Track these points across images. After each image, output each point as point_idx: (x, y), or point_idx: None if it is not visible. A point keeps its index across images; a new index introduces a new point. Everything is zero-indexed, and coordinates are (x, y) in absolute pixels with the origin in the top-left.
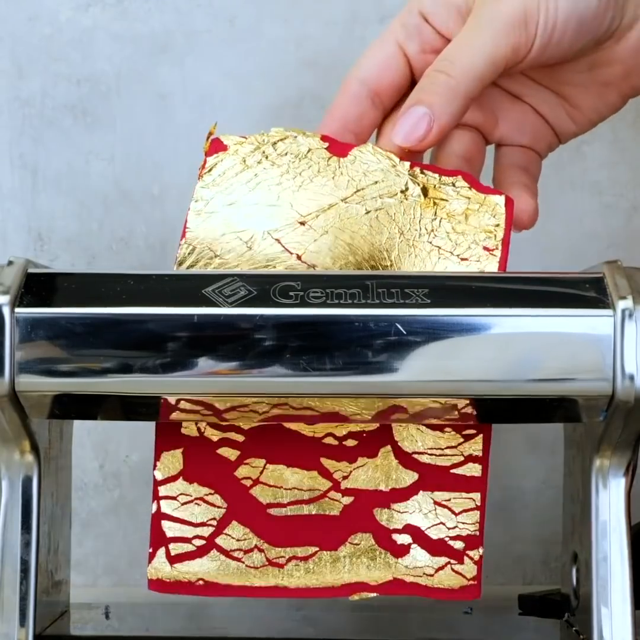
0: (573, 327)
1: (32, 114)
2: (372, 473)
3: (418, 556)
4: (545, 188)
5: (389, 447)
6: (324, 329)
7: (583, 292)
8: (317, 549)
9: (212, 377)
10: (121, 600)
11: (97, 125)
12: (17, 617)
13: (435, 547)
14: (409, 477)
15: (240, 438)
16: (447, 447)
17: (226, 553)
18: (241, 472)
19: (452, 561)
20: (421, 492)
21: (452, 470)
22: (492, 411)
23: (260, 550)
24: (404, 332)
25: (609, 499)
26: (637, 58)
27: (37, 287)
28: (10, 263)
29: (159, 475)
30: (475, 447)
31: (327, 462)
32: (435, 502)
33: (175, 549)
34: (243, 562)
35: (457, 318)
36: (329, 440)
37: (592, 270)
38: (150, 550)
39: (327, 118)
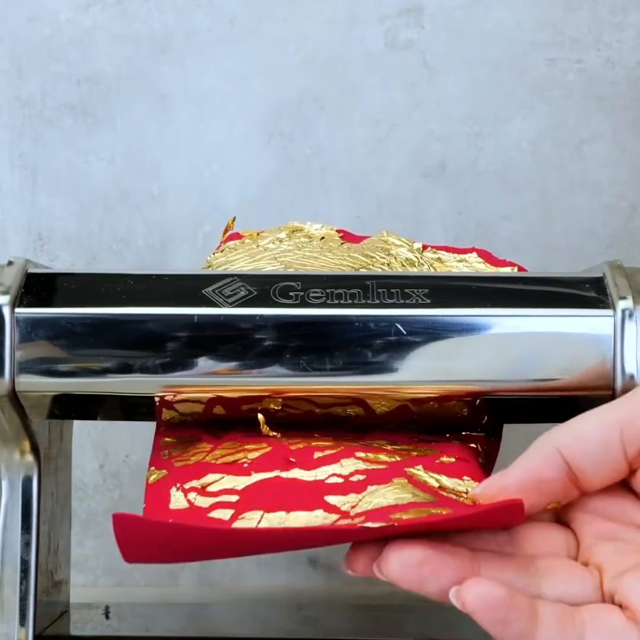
0: (573, 327)
1: (32, 114)
2: (384, 495)
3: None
4: (545, 188)
5: (403, 478)
6: (324, 329)
7: (583, 292)
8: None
9: (212, 377)
10: (121, 600)
11: (97, 125)
12: (17, 617)
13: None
14: (427, 495)
15: (233, 498)
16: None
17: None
18: (237, 526)
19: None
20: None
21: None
22: (492, 411)
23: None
24: (404, 332)
25: None
26: None
27: (37, 287)
28: (10, 263)
29: None
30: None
31: (332, 499)
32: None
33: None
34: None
35: (457, 318)
36: (333, 480)
37: (592, 270)
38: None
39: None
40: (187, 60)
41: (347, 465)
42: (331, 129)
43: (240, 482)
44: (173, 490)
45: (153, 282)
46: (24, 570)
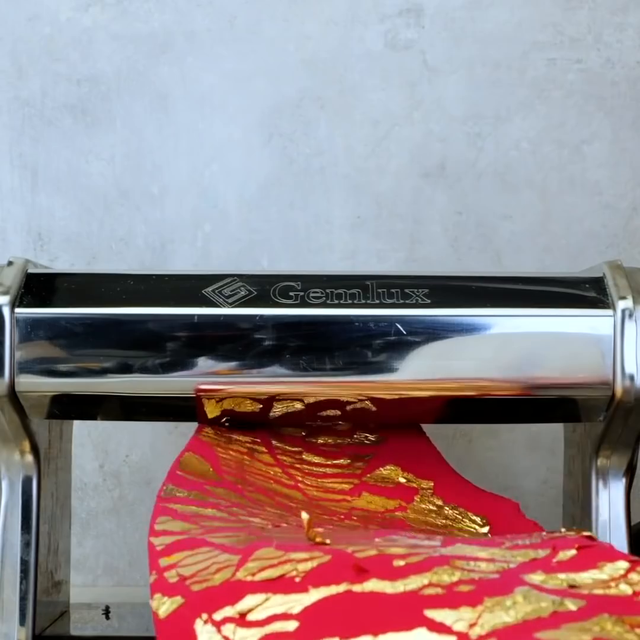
0: (573, 327)
1: (32, 114)
2: (510, 609)
3: None
4: (545, 188)
5: (525, 587)
6: (324, 329)
7: (583, 292)
8: None
9: (212, 377)
10: (121, 600)
11: (97, 125)
12: (17, 617)
13: None
14: (574, 600)
15: (291, 625)
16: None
17: None
18: None
19: None
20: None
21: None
22: (492, 411)
23: None
24: (404, 332)
25: (609, 499)
26: None
27: (37, 287)
28: (10, 263)
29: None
30: None
31: (436, 614)
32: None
33: None
34: None
35: (457, 318)
36: (431, 591)
37: (592, 270)
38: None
39: None
40: (187, 60)
41: (443, 573)
42: (331, 129)
43: (296, 602)
44: (199, 625)
45: (153, 282)
46: (24, 570)
